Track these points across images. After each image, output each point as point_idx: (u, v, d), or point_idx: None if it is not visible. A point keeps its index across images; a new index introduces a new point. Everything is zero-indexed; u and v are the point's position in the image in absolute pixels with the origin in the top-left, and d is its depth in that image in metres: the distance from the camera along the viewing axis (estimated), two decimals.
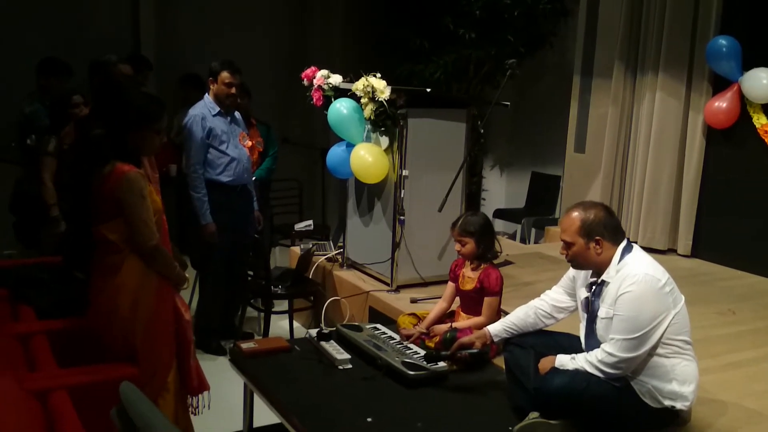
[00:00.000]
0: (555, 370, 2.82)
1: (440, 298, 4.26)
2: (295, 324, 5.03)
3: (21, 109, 4.96)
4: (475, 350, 3.13)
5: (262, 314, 5.09)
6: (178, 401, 3.06)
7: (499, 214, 7.49)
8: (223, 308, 4.80)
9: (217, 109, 4.54)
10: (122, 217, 2.85)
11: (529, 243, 7.05)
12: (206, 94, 4.60)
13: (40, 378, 2.76)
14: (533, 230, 7.17)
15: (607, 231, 2.80)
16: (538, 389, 2.80)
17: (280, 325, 5.06)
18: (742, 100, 5.16)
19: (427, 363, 3.17)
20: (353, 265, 4.93)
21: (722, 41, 5.11)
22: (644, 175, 5.73)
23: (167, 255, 2.96)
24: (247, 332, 4.98)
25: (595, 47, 6.16)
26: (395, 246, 4.41)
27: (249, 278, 4.97)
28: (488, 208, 7.58)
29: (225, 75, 4.44)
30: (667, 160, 5.58)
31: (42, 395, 2.62)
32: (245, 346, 3.46)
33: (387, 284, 4.54)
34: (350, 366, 3.31)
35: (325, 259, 5.10)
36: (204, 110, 4.50)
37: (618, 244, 2.82)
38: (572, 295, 3.10)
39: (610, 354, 2.71)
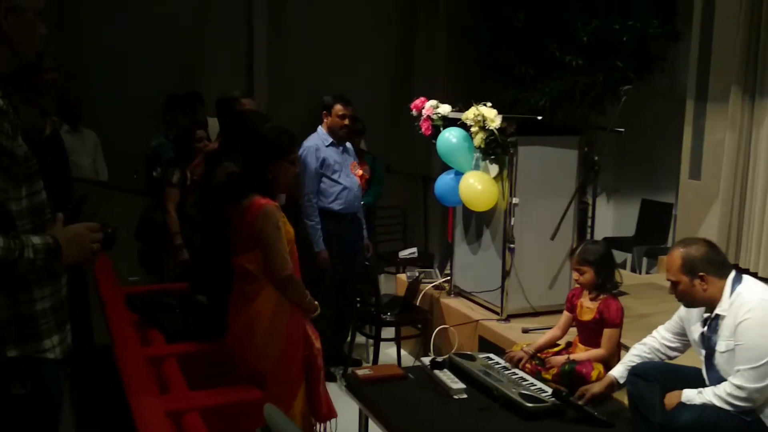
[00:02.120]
0: (683, 405, 2.74)
1: (552, 328, 4.22)
2: (402, 352, 5.06)
3: (148, 142, 5.25)
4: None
5: (370, 341, 5.16)
6: (304, 427, 3.13)
7: (607, 242, 7.28)
8: (332, 335, 4.88)
9: (330, 140, 4.68)
10: (259, 249, 2.99)
11: (640, 273, 6.84)
12: (319, 126, 4.76)
13: (173, 400, 2.90)
14: (645, 259, 6.95)
15: (711, 266, 2.77)
16: (666, 425, 2.72)
17: (387, 353, 5.09)
18: None
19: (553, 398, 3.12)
20: (461, 293, 4.92)
21: None
22: (765, 203, 5.45)
23: (300, 283, 3.08)
24: (355, 359, 5.04)
25: (710, 71, 5.95)
26: (505, 274, 4.38)
27: (358, 305, 5.03)
28: (595, 236, 7.40)
29: (338, 108, 4.60)
30: None
31: (175, 416, 2.75)
32: (361, 372, 3.52)
33: (496, 313, 4.50)
34: (465, 396, 3.30)
35: (432, 286, 5.11)
36: (318, 141, 4.66)
37: (725, 278, 2.77)
38: (681, 335, 3.06)
39: (739, 387, 2.62)
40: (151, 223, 4.89)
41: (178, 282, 4.47)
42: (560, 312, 4.49)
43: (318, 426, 3.26)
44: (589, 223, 5.34)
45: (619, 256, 7.48)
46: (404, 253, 5.98)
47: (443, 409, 3.21)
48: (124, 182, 5.73)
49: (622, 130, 4.28)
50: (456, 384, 3.33)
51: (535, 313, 4.49)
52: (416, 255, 5.98)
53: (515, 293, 4.43)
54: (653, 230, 7.38)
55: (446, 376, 3.41)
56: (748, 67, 5.57)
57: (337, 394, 3.81)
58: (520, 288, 4.43)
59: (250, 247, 3.02)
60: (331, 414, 3.24)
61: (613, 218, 8.17)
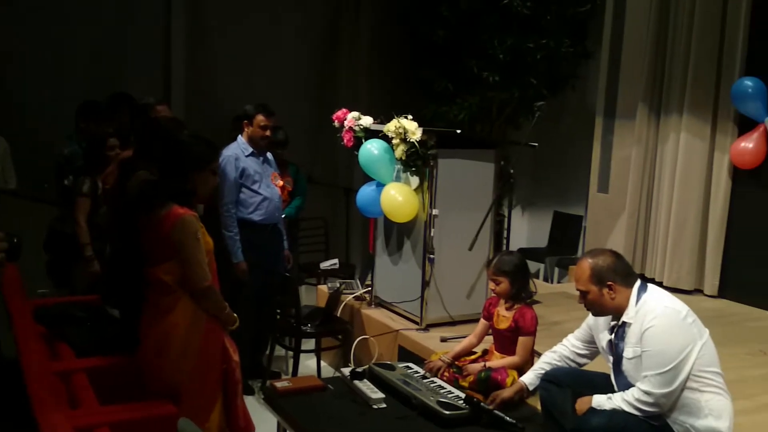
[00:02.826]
0: (593, 410, 2.83)
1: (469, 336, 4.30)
2: (323, 363, 5.04)
3: (59, 150, 5.07)
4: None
5: (290, 353, 5.12)
6: None
7: (522, 252, 7.48)
8: (251, 347, 4.82)
9: (250, 149, 4.64)
10: (176, 259, 2.92)
11: (552, 282, 7.05)
12: (239, 136, 4.71)
13: (83, 415, 2.80)
14: (556, 269, 7.17)
15: (618, 275, 2.89)
16: (578, 430, 2.81)
17: (306, 365, 5.07)
18: None
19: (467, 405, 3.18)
20: (381, 304, 4.95)
21: (748, 82, 5.16)
22: (669, 215, 5.74)
23: (218, 295, 3.03)
24: (274, 371, 4.99)
25: (618, 89, 6.23)
26: (425, 284, 4.44)
27: (277, 317, 4.99)
28: (511, 246, 7.60)
29: (260, 118, 4.58)
30: (693, 200, 5.60)
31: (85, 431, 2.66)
32: (279, 385, 3.49)
33: (416, 323, 4.55)
34: (384, 405, 3.32)
35: (353, 297, 5.12)
36: (237, 151, 4.61)
37: (631, 286, 2.90)
38: (590, 342, 3.17)
39: (646, 392, 2.74)
40: (60, 234, 4.73)
41: (89, 294, 4.33)
42: (477, 321, 4.60)
43: None
44: (505, 234, 5.50)
45: (532, 266, 7.68)
46: (325, 265, 5.97)
47: (362, 420, 3.21)
48: (35, 191, 5.50)
49: (536, 144, 4.42)
50: (375, 394, 3.35)
51: (453, 322, 4.57)
52: (337, 266, 5.98)
53: (434, 303, 4.50)
54: (564, 241, 7.64)
55: (366, 387, 3.43)
56: (655, 85, 5.87)
57: (255, 407, 3.77)
58: (439, 297, 4.49)
59: (166, 257, 2.95)
60: (249, 427, 3.19)
61: (527, 230, 8.41)
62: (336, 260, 6.07)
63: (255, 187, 4.64)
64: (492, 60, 6.52)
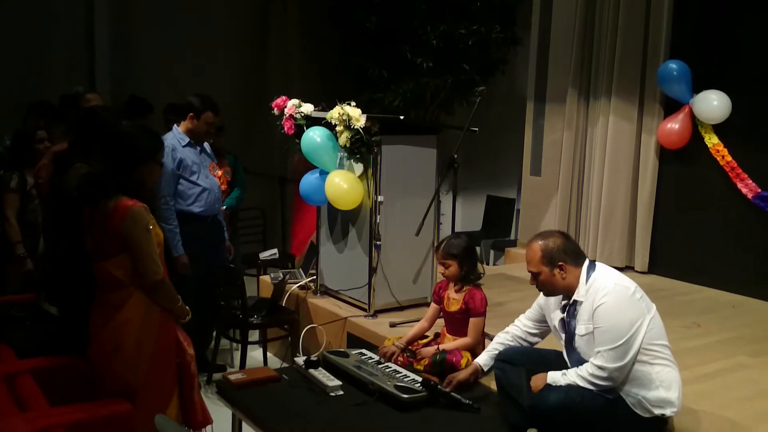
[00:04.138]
0: (549, 387, 2.91)
1: (418, 321, 4.33)
2: (269, 354, 5.00)
3: None
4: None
5: (234, 345, 5.05)
6: None
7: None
8: (195, 341, 4.71)
9: (187, 139, 4.52)
10: (127, 253, 2.83)
11: (488, 264, 7.18)
12: (175, 126, 4.58)
13: (36, 418, 2.69)
14: (492, 252, 7.32)
15: (568, 256, 2.97)
16: (535, 407, 2.89)
17: (252, 356, 5.00)
18: (694, 121, 5.42)
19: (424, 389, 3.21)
20: (327, 292, 4.94)
21: (672, 65, 5.37)
22: (600, 196, 5.93)
23: (172, 288, 2.96)
24: (219, 364, 4.91)
25: (548, 74, 6.38)
26: (372, 271, 4.45)
27: (221, 309, 4.91)
28: (445, 231, 7.70)
29: (209, 115, 4.48)
30: (622, 180, 5.80)
31: None
32: (233, 377, 3.43)
33: (364, 310, 4.57)
34: (342, 392, 3.32)
35: (298, 287, 5.09)
36: (174, 141, 4.47)
37: (581, 266, 2.99)
38: (541, 321, 3.25)
39: (600, 367, 2.83)
40: None
41: (22, 293, 4.15)
42: (424, 305, 4.67)
43: None
44: (440, 220, 5.56)
45: None
46: (265, 255, 5.92)
47: (320, 408, 3.20)
48: None
49: (477, 129, 4.48)
50: (332, 381, 3.35)
51: (401, 308, 4.61)
52: (277, 256, 5.94)
53: (381, 289, 4.52)
54: (498, 224, 7.80)
55: (321, 375, 3.42)
56: (583, 70, 6.04)
57: (205, 401, 3.70)
58: (386, 284, 4.52)
59: (116, 251, 2.86)
60: (206, 421, 3.15)
61: (461, 214, 8.46)
62: (275, 250, 6.03)
63: (193, 178, 4.52)
64: (425, 46, 6.57)
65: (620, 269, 5.76)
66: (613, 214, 5.86)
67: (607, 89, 5.83)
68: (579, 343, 2.95)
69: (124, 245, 2.85)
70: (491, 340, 3.79)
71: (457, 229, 7.82)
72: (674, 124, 5.50)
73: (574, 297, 2.96)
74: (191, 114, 4.47)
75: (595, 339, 2.86)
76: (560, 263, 2.95)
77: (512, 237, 7.78)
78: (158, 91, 6.36)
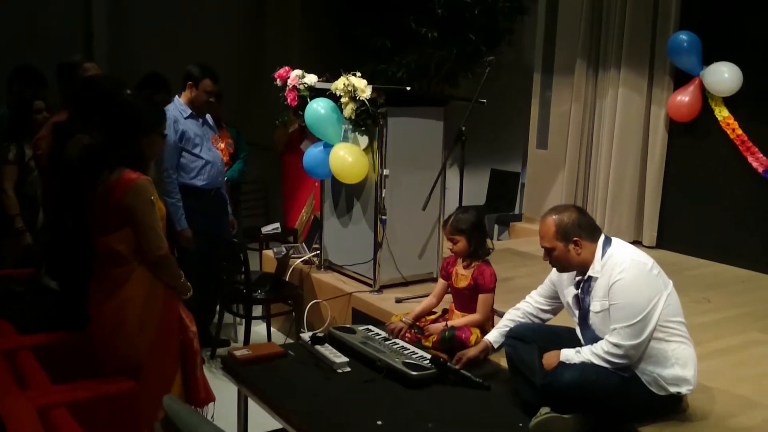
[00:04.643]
0: (562, 365, 2.85)
1: (425, 296, 4.27)
2: (273, 329, 4.94)
3: None
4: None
5: (237, 320, 4.99)
6: None
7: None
8: (198, 316, 4.65)
9: (189, 111, 4.42)
10: (129, 227, 2.74)
11: (493, 239, 7.11)
12: (176, 97, 4.48)
13: (36, 396, 2.62)
14: (496, 227, 7.24)
15: (583, 230, 2.88)
16: (548, 385, 2.82)
17: (256, 331, 4.94)
18: (704, 94, 5.32)
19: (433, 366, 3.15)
20: (331, 267, 4.87)
21: (683, 36, 5.25)
22: (608, 169, 5.85)
23: (175, 263, 2.88)
24: (223, 339, 4.86)
25: (555, 45, 6.26)
26: (377, 246, 4.38)
27: (224, 284, 4.84)
28: (450, 205, 7.63)
29: (207, 83, 4.38)
30: (631, 153, 5.71)
31: (41, 413, 2.49)
32: (239, 353, 3.36)
33: (369, 285, 4.50)
34: (349, 369, 3.26)
35: (301, 261, 5.01)
36: (175, 113, 4.38)
37: (596, 241, 2.90)
38: (554, 298, 3.17)
39: (616, 344, 2.76)
40: None
41: (21, 268, 4.07)
42: (430, 281, 4.62)
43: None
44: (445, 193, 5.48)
45: None
46: (267, 229, 5.84)
47: (328, 385, 3.14)
48: None
49: (485, 101, 4.38)
50: (339, 358, 3.29)
51: (406, 283, 4.54)
52: (279, 230, 5.86)
53: (387, 264, 4.44)
54: (502, 198, 7.72)
55: (328, 351, 3.35)
56: (592, 41, 5.91)
57: (209, 377, 3.64)
58: (391, 259, 4.44)
59: (118, 225, 2.77)
60: (209, 398, 3.09)
61: (465, 188, 8.43)
62: (278, 224, 5.95)
63: (196, 150, 4.44)
64: (430, 15, 6.43)
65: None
66: (621, 188, 5.78)
67: (617, 60, 5.72)
68: (594, 320, 2.89)
69: (126, 219, 2.76)
70: (500, 316, 3.74)
71: (459, 203, 7.84)
72: (684, 97, 5.40)
73: (589, 273, 2.88)
74: (190, 83, 4.38)
75: (611, 316, 2.79)
76: (575, 238, 2.87)
77: (517, 211, 7.70)
78: (156, 62, 6.22)
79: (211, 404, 3.15)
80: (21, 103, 4.40)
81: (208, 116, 4.61)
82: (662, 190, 5.68)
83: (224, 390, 3.41)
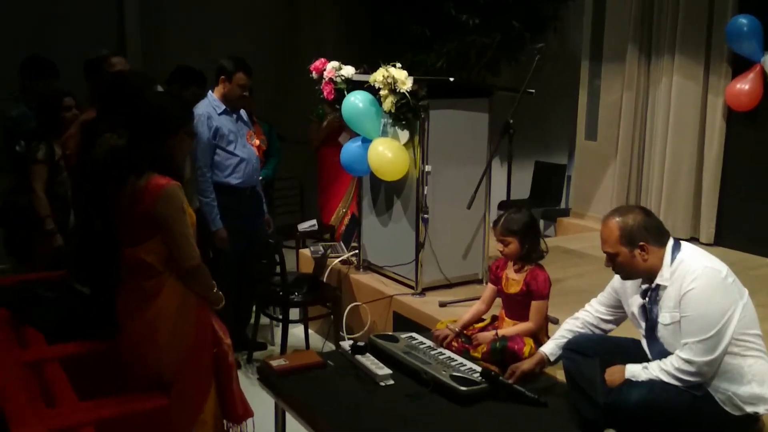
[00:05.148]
0: (629, 383, 2.60)
1: (470, 300, 4.06)
2: (310, 331, 4.77)
3: (6, 113, 4.59)
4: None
5: (274, 322, 4.82)
6: (216, 431, 2.77)
7: (503, 206, 7.24)
8: (233, 319, 4.50)
9: (223, 107, 4.25)
10: (159, 236, 2.56)
11: None
12: (210, 92, 4.31)
13: (62, 414, 2.47)
14: (542, 222, 6.96)
15: (650, 234, 2.64)
16: (613, 405, 2.58)
17: (293, 333, 4.77)
18: (765, 81, 4.98)
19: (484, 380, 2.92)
20: (370, 267, 4.66)
21: (742, 20, 4.92)
22: (663, 161, 5.54)
23: (208, 273, 2.69)
24: (259, 342, 4.70)
25: (604, 31, 5.95)
26: (419, 246, 4.15)
27: (260, 285, 4.67)
28: (494, 202, 7.37)
29: (241, 76, 4.21)
30: (687, 145, 5.39)
31: None
32: (276, 363, 3.18)
33: (410, 287, 4.28)
34: (392, 382, 3.05)
35: (339, 261, 4.81)
36: (209, 109, 4.21)
37: (664, 246, 2.65)
38: (616, 307, 2.93)
39: (687, 360, 2.51)
40: (15, 205, 4.31)
41: (52, 270, 3.94)
42: (475, 282, 4.40)
43: (232, 428, 2.90)
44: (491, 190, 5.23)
45: None
46: (303, 226, 5.64)
47: (370, 399, 2.94)
48: None
49: (533, 91, 4.12)
50: (382, 370, 3.08)
51: (450, 285, 4.31)
52: (316, 227, 5.66)
53: (429, 265, 4.22)
54: (547, 192, 7.43)
55: (370, 362, 3.15)
56: (644, 26, 5.60)
57: (244, 384, 3.46)
58: (434, 259, 4.22)
59: (148, 235, 2.58)
60: (247, 414, 2.89)
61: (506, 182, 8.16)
62: (314, 221, 5.74)
63: (230, 147, 4.26)
64: (470, 2, 6.16)
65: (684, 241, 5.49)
66: (676, 182, 5.46)
67: (671, 47, 5.39)
68: (662, 332, 2.63)
69: (156, 228, 2.57)
70: (553, 322, 3.51)
71: (501, 198, 7.51)
72: (744, 85, 5.06)
73: (657, 281, 2.63)
74: (223, 77, 4.20)
75: (682, 329, 2.54)
76: (641, 243, 2.61)
77: (562, 206, 7.42)
78: (188, 56, 6.08)
79: (249, 420, 2.95)
80: (49, 99, 4.26)
81: (242, 111, 4.43)
82: (720, 184, 5.35)
83: (262, 401, 3.22)
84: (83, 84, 4.45)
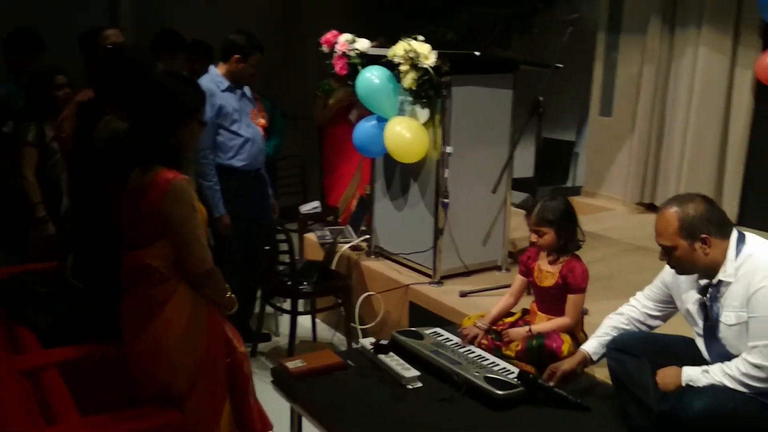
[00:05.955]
0: (690, 389, 2.37)
1: (492, 289, 3.83)
2: (317, 320, 4.52)
3: None
4: None
5: (279, 312, 4.57)
6: None
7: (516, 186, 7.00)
8: (237, 309, 4.23)
9: (227, 83, 3.95)
10: (167, 238, 2.27)
11: None
12: (212, 67, 4.01)
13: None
14: None
15: (712, 225, 2.39)
16: (672, 413, 2.35)
17: (299, 323, 4.51)
18: None
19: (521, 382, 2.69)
20: (383, 254, 4.40)
21: None
22: (684, 139, 5.29)
23: (221, 277, 2.42)
24: (264, 333, 4.45)
25: (624, 1, 5.65)
26: (438, 232, 3.90)
27: (266, 274, 4.40)
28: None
29: (257, 57, 3.96)
30: (711, 121, 5.14)
31: None
32: (292, 365, 2.92)
33: (426, 275, 4.03)
34: (420, 384, 2.81)
35: (349, 247, 4.55)
36: (211, 85, 3.90)
37: (727, 238, 2.41)
38: (665, 302, 2.69)
39: (757, 366, 2.28)
40: (3, 190, 4.01)
41: (44, 261, 3.66)
42: (494, 269, 4.17)
43: None
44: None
45: (518, 196, 7.21)
46: (306, 208, 5.37)
47: (398, 404, 2.70)
48: None
49: (562, 66, 3.84)
50: (409, 371, 2.83)
51: (468, 273, 4.07)
52: (320, 209, 5.39)
53: (447, 252, 3.97)
54: (554, 170, 7.14)
55: (395, 362, 2.90)
56: None
57: (258, 387, 3.21)
58: (453, 246, 3.96)
59: (154, 237, 2.30)
60: (266, 428, 2.65)
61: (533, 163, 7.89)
62: (317, 203, 5.47)
63: (234, 127, 3.98)
64: None
65: None
66: (699, 160, 5.22)
67: (697, 16, 5.11)
68: (725, 333, 2.39)
69: (163, 228, 2.29)
70: (585, 314, 3.27)
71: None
72: None
73: (720, 276, 2.39)
74: (238, 56, 3.89)
75: (750, 331, 2.31)
76: (703, 235, 2.37)
77: (570, 183, 7.15)
78: (185, 27, 5.75)
79: None
80: (39, 77, 3.95)
81: (246, 88, 4.13)
82: (746, 163, 5.11)
83: (277, 405, 2.97)
84: (72, 59, 4.15)
